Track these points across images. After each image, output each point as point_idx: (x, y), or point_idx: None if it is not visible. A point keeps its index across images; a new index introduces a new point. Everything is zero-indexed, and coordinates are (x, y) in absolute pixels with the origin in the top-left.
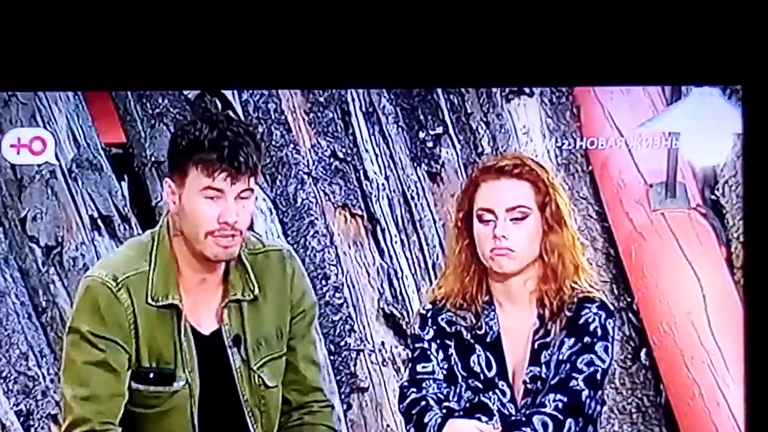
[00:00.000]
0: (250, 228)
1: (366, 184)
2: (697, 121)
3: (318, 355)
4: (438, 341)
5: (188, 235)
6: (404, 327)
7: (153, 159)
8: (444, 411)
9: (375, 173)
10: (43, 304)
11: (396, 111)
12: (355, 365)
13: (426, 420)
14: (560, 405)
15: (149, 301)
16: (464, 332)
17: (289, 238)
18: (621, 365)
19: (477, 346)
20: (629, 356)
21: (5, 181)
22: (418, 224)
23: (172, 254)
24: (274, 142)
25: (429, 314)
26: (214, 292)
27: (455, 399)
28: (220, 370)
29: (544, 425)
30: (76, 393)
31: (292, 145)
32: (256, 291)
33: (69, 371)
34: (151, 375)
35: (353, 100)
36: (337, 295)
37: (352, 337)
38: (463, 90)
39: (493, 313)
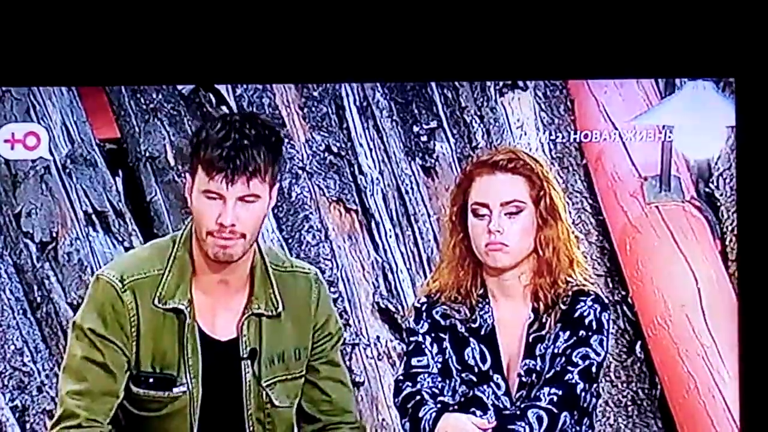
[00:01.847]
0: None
1: (360, 179)
2: (691, 114)
3: (348, 378)
4: (432, 335)
5: (198, 233)
6: (399, 321)
7: (147, 154)
8: (439, 405)
9: (369, 167)
10: (38, 299)
11: (390, 105)
12: (350, 359)
13: (421, 414)
14: (555, 398)
15: (156, 303)
16: (459, 325)
17: (283, 233)
18: (616, 358)
19: (471, 339)
20: (624, 349)
21: None
22: (412, 218)
23: (191, 256)
24: None
25: (423, 308)
26: (236, 298)
27: (450, 393)
28: (229, 379)
29: (539, 419)
30: (70, 387)
31: (286, 140)
32: (280, 308)
33: (68, 364)
34: (151, 380)
35: (347, 94)
36: (331, 289)
37: (347, 332)
38: (457, 84)
39: (487, 306)
